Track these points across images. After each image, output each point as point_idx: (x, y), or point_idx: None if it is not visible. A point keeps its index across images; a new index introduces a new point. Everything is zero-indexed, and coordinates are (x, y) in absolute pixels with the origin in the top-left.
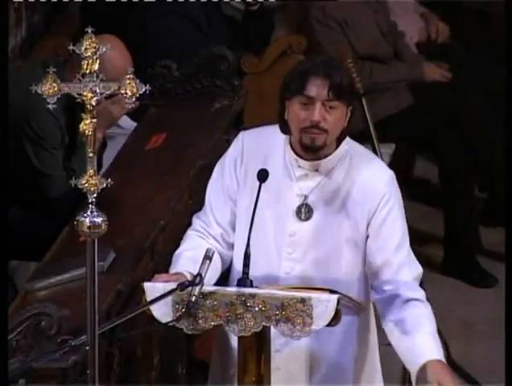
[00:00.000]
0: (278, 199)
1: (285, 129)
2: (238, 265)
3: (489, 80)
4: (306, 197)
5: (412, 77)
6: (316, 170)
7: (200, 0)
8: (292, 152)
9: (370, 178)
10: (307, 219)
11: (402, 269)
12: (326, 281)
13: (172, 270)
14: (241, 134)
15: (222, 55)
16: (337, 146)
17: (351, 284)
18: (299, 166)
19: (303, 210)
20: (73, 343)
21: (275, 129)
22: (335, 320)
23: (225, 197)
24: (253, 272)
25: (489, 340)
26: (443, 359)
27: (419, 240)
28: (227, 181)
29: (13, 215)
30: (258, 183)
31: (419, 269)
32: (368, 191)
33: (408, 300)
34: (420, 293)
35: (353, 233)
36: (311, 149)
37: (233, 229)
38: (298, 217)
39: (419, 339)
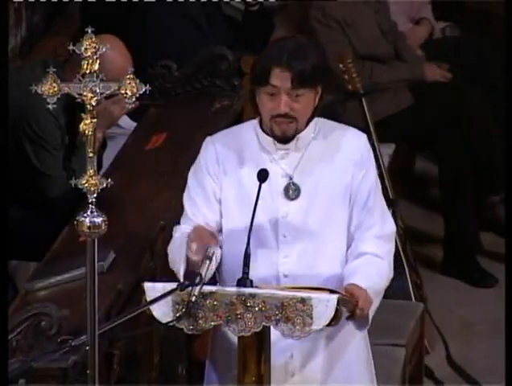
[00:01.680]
0: (267, 183)
1: (257, 112)
2: (230, 264)
3: (489, 79)
4: (291, 176)
5: (412, 77)
6: (295, 146)
7: (200, 0)
8: (267, 136)
9: (348, 145)
10: (296, 197)
11: (373, 228)
12: (325, 262)
13: (181, 252)
14: (209, 139)
15: (222, 55)
16: (308, 123)
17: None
18: (278, 149)
19: (290, 189)
20: (73, 343)
21: (242, 127)
22: (335, 320)
23: (211, 199)
24: (254, 261)
25: (489, 340)
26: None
27: (419, 240)
28: (209, 185)
29: (13, 215)
30: (239, 176)
31: (389, 228)
32: (347, 158)
33: (364, 253)
34: (381, 250)
35: (341, 201)
36: (283, 140)
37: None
38: (287, 197)
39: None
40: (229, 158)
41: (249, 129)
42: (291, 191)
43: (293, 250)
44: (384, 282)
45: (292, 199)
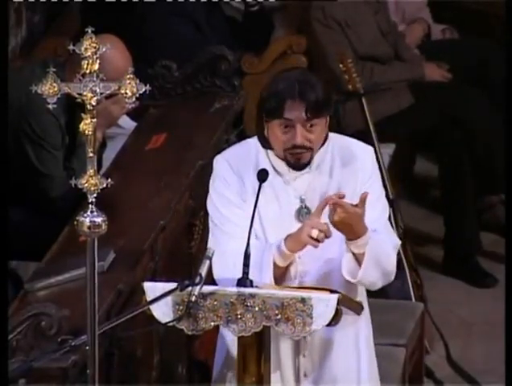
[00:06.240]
0: (280, 204)
1: (266, 145)
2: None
3: (489, 79)
4: (303, 198)
5: (413, 77)
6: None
7: (200, 0)
8: (280, 161)
9: (355, 161)
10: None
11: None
12: (340, 278)
13: None
14: (219, 156)
15: (222, 55)
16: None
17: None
18: (290, 172)
19: (301, 212)
20: (73, 343)
21: (249, 146)
22: (335, 320)
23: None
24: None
25: (489, 340)
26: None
27: (419, 241)
28: (235, 198)
29: (13, 215)
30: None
31: (393, 240)
32: (354, 174)
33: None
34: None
35: None
36: (297, 168)
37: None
38: (298, 220)
39: None
40: (245, 174)
41: (257, 149)
42: (302, 215)
43: (311, 269)
44: (385, 257)
45: (302, 222)
